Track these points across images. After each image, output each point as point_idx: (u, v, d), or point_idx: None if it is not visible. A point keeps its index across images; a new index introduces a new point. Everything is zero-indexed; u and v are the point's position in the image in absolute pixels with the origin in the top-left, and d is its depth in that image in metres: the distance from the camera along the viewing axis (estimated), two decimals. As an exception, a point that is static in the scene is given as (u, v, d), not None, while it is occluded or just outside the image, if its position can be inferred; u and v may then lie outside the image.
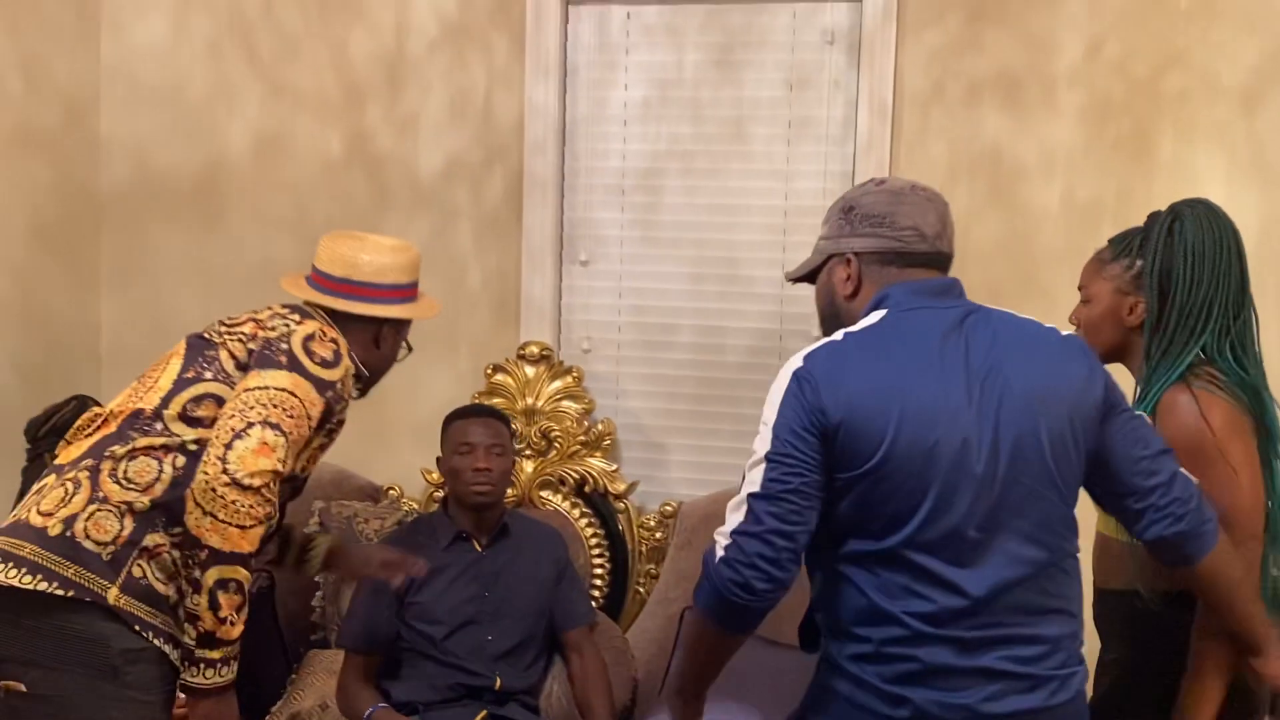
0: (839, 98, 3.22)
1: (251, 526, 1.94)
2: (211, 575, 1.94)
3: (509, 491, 3.26)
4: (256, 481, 1.93)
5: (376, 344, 2.35)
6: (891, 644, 1.72)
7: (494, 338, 3.42)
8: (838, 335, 1.80)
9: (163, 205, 3.55)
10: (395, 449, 3.42)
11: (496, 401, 3.30)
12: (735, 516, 1.73)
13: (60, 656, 1.94)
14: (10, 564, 1.95)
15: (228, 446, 1.94)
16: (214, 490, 1.92)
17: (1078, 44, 3.10)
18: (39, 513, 2.00)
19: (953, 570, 1.71)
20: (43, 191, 3.36)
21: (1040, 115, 3.12)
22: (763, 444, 1.73)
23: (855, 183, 3.14)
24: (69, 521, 1.97)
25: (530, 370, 3.33)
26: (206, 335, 2.18)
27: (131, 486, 2.00)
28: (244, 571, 1.97)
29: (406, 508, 3.27)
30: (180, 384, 2.09)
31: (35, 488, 2.08)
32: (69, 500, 1.99)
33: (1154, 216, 2.05)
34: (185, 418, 2.06)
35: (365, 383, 2.36)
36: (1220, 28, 3.01)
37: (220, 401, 2.07)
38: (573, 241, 3.41)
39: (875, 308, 1.82)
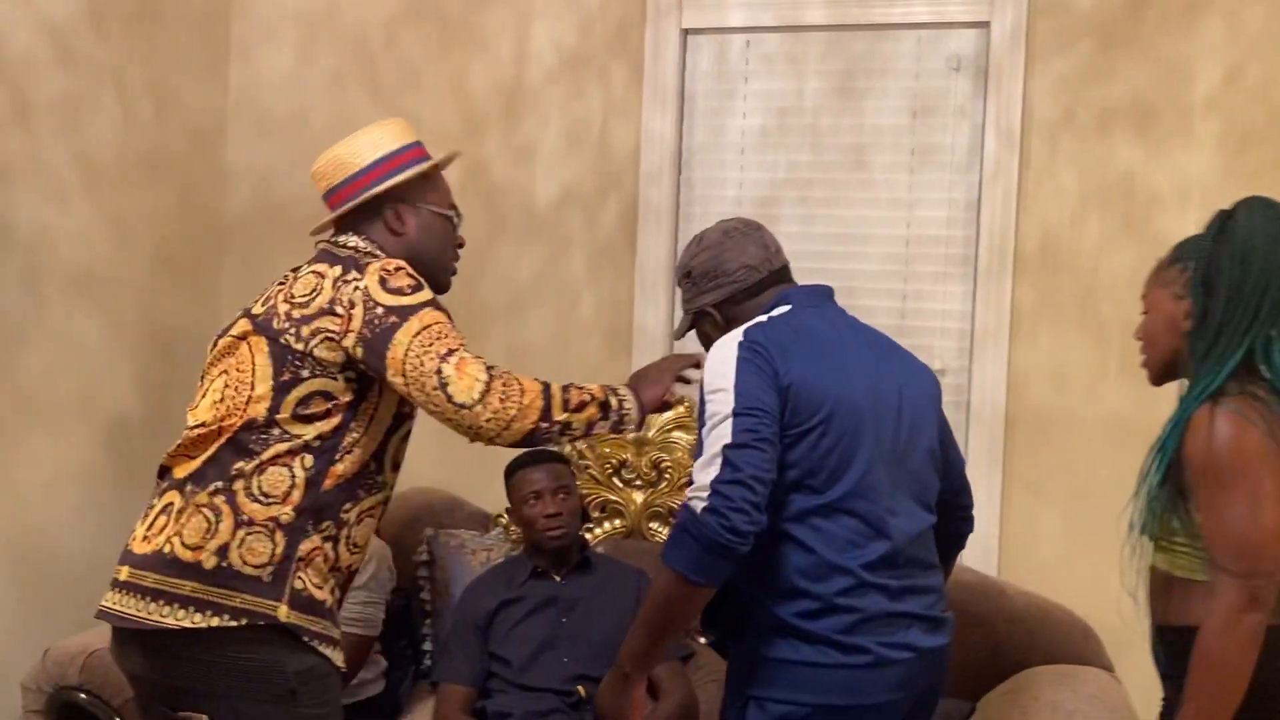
0: (964, 125, 3.15)
1: (526, 404, 1.95)
2: (568, 430, 2.01)
3: (618, 523, 3.24)
4: (482, 386, 1.93)
5: (394, 232, 2.15)
6: (842, 595, 1.89)
7: (605, 367, 3.39)
8: (761, 318, 2.02)
9: (284, 233, 3.59)
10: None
11: (607, 432, 3.27)
12: (709, 472, 1.83)
13: (238, 687, 1.93)
14: (175, 604, 1.92)
15: (448, 398, 1.92)
16: (482, 427, 1.94)
17: (1215, 70, 2.98)
18: (185, 546, 1.95)
19: (882, 519, 1.94)
20: (169, 217, 3.43)
21: (1176, 144, 3.00)
22: (725, 404, 1.87)
23: (981, 212, 3.10)
24: (222, 552, 1.93)
25: (642, 400, 3.28)
26: (283, 341, 2.01)
27: (271, 500, 1.96)
28: (554, 419, 1.99)
29: (515, 537, 3.24)
30: (281, 389, 2.00)
31: (160, 504, 2.04)
32: (215, 530, 1.95)
33: (1215, 218, 1.93)
34: (299, 417, 1.99)
35: (433, 275, 2.16)
36: (1371, 51, 2.88)
37: (327, 396, 2.00)
38: (687, 271, 3.37)
39: (778, 305, 2.06)
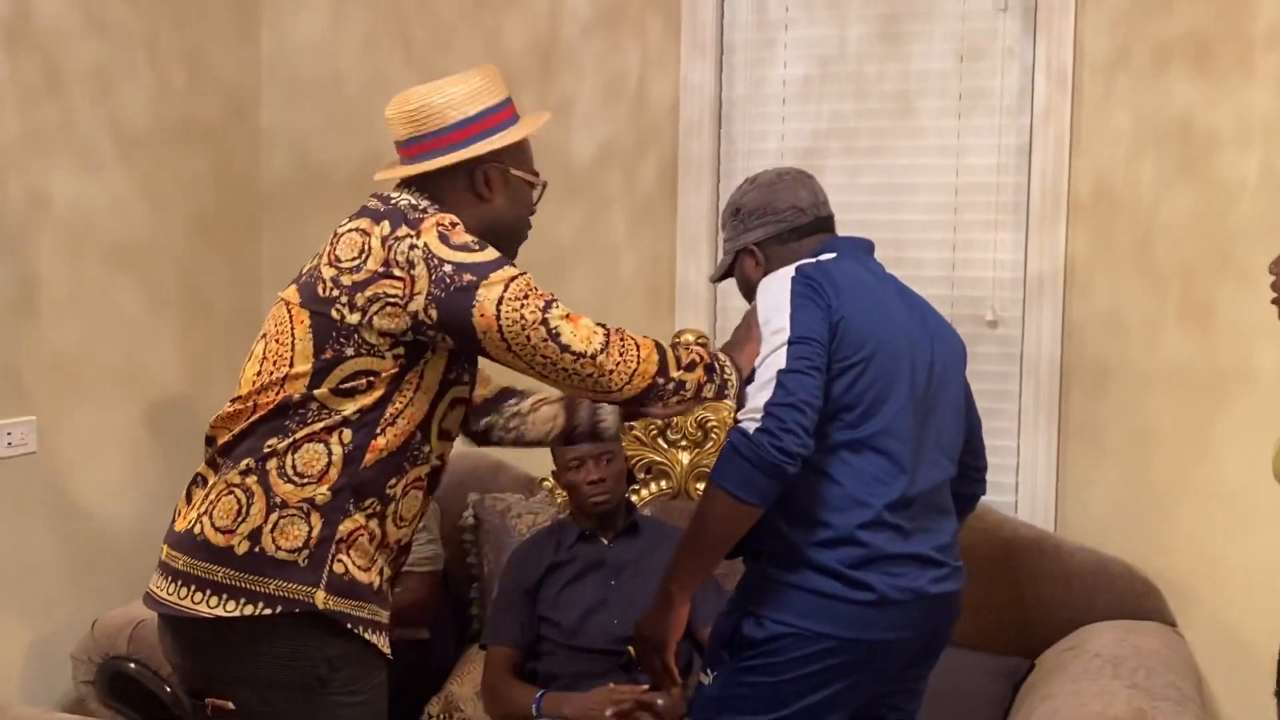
0: (1014, 67, 3.04)
1: (644, 357, 1.86)
2: (681, 390, 1.91)
3: (664, 485, 3.20)
4: (602, 336, 1.84)
5: (480, 197, 1.99)
6: (860, 528, 1.95)
7: (648, 326, 3.28)
8: (810, 260, 2.08)
9: (321, 198, 3.57)
10: (549, 440, 3.37)
11: (651, 391, 3.23)
12: (763, 394, 1.88)
13: (268, 675, 1.86)
14: (207, 591, 1.85)
15: (564, 348, 1.81)
16: (605, 377, 1.83)
17: (1276, 1, 2.86)
18: (216, 529, 1.86)
19: (909, 461, 2.01)
20: (205, 184, 3.41)
21: (1235, 80, 2.89)
22: (779, 335, 1.93)
23: (1033, 157, 3.01)
24: (254, 536, 1.84)
25: (686, 359, 3.23)
26: (333, 314, 1.86)
27: (306, 480, 1.85)
28: (670, 375, 1.88)
29: (560, 499, 3.21)
30: (322, 368, 1.87)
31: (196, 475, 1.98)
32: (246, 513, 1.85)
33: None
34: (339, 392, 1.87)
35: (506, 247, 2.00)
36: None
37: (371, 373, 1.87)
38: (730, 226, 3.30)
39: (824, 251, 2.11)
